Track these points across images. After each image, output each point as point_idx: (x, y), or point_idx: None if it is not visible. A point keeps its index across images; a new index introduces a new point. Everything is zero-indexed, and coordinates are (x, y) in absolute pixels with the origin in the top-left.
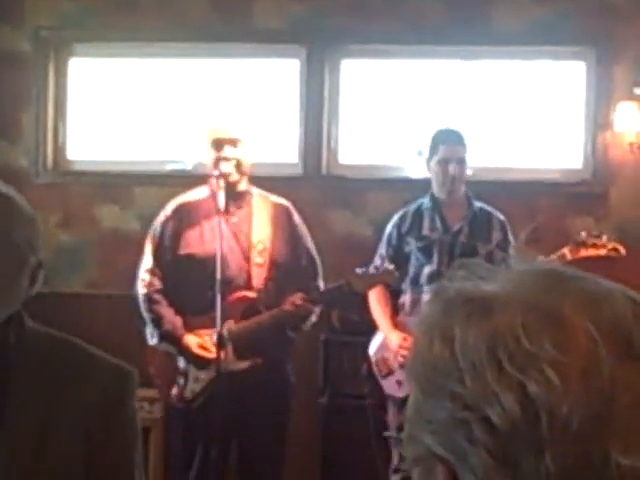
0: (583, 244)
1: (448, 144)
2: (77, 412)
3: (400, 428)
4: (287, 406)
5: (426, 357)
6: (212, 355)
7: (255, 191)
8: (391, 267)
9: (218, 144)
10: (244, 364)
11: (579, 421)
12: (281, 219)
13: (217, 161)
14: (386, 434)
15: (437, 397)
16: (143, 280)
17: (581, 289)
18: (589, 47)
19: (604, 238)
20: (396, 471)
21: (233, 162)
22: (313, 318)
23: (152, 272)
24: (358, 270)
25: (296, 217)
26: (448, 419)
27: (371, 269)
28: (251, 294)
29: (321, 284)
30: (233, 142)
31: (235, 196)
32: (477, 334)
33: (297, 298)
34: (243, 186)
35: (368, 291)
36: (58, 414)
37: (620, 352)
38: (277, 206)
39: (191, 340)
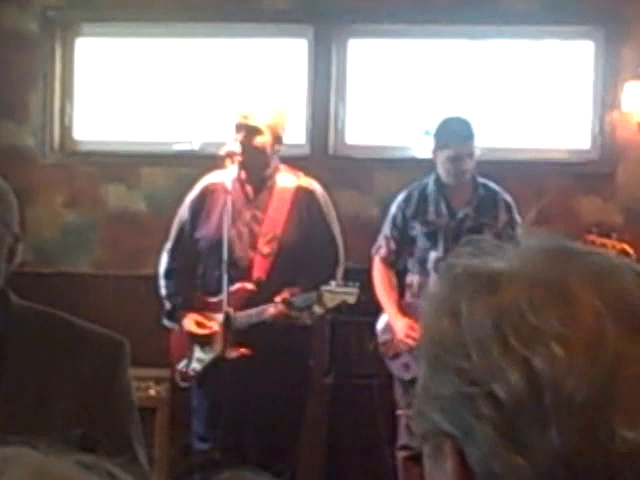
0: (592, 244)
1: (458, 141)
2: (72, 384)
3: (409, 407)
4: (303, 390)
5: (434, 333)
6: (206, 332)
7: (283, 174)
8: (356, 286)
9: (237, 128)
10: (233, 353)
11: (583, 395)
12: (302, 204)
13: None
14: (398, 412)
15: (444, 373)
16: (162, 259)
17: (588, 264)
18: (597, 27)
19: (614, 236)
20: (402, 448)
21: (241, 146)
22: (317, 310)
23: (170, 252)
24: (332, 284)
25: (322, 201)
26: (454, 395)
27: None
28: (249, 286)
29: (339, 274)
30: (251, 128)
31: (257, 181)
32: (483, 309)
33: (278, 301)
34: (267, 172)
35: (334, 306)
36: (53, 387)
37: (626, 326)
38: (301, 190)
39: (190, 318)
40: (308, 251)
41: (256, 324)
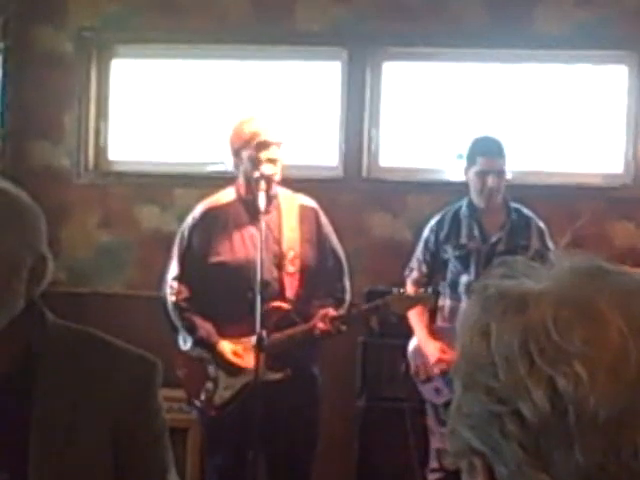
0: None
1: (487, 156)
2: (105, 403)
3: (441, 432)
4: (318, 408)
5: (467, 353)
6: (245, 363)
7: (282, 193)
8: (429, 291)
9: (263, 145)
10: (276, 375)
11: (606, 414)
12: (308, 222)
13: (258, 162)
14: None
15: (474, 391)
16: (172, 287)
17: (616, 284)
18: (631, 51)
19: None
20: (433, 471)
21: (278, 164)
22: (343, 327)
23: (179, 280)
24: (396, 290)
25: (323, 218)
26: (483, 413)
27: (408, 288)
28: (285, 305)
29: (347, 284)
30: (278, 145)
31: (268, 200)
32: (511, 329)
33: (330, 315)
34: (273, 189)
35: (406, 313)
36: (86, 406)
37: None
38: (304, 208)
39: (225, 347)
40: (319, 266)
41: (284, 349)
